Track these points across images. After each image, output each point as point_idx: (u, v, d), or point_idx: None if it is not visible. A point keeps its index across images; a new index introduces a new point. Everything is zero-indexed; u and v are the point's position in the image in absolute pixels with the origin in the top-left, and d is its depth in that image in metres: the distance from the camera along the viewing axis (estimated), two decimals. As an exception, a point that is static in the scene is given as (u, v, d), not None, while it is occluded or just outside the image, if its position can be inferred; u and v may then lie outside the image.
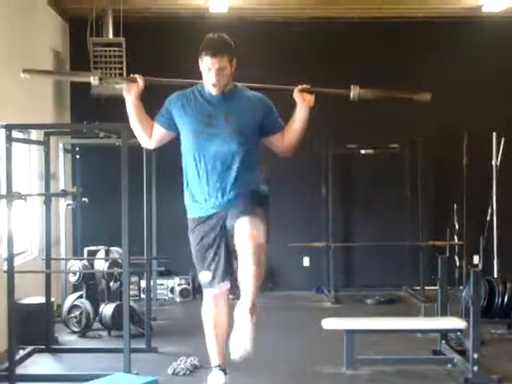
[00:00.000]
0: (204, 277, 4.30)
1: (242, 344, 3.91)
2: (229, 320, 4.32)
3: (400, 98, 4.84)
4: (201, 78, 4.34)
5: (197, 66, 4.31)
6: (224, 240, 4.25)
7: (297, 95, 4.31)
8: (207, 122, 4.22)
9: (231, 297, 4.39)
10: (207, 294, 4.37)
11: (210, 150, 4.20)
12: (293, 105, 4.42)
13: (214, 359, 4.42)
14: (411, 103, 4.73)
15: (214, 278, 4.27)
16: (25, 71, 4.59)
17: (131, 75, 4.38)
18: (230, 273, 4.28)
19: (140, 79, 4.33)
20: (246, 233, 3.99)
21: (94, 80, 4.47)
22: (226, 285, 4.31)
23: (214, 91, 4.22)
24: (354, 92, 4.40)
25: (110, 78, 4.67)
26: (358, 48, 9.61)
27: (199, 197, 4.27)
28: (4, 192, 5.77)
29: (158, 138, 4.39)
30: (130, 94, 4.32)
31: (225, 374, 4.39)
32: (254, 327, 3.96)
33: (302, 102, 4.29)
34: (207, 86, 4.24)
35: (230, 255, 4.26)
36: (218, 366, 4.40)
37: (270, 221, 4.26)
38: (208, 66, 4.16)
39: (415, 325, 6.40)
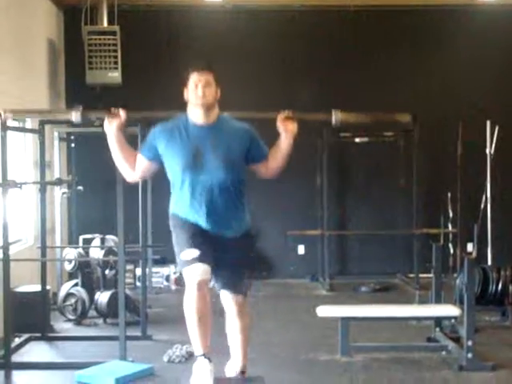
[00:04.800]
0: (188, 254, 4.21)
1: None
2: (211, 308, 4.36)
3: (381, 120, 4.88)
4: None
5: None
6: (210, 243, 4.27)
7: (280, 125, 4.33)
8: (195, 155, 4.23)
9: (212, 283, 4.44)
10: (190, 281, 4.30)
11: (199, 181, 4.21)
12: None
13: (198, 348, 4.41)
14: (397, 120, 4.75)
15: (199, 255, 4.19)
16: (6, 111, 4.59)
17: (112, 109, 4.37)
18: (212, 260, 4.27)
19: (122, 113, 4.33)
20: (232, 305, 4.42)
21: (75, 118, 4.47)
22: (207, 272, 4.23)
23: (200, 107, 4.22)
24: (336, 117, 4.44)
25: (91, 112, 4.64)
26: (353, 36, 9.61)
27: (189, 212, 4.30)
28: (-1, 180, 5.77)
29: (142, 170, 4.36)
30: (112, 126, 4.31)
31: (210, 361, 4.39)
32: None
33: (286, 132, 4.32)
34: (194, 103, 4.24)
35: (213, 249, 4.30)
36: (203, 354, 4.39)
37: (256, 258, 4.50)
38: (195, 81, 4.19)
39: (409, 312, 6.42)
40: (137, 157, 4.35)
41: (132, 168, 4.35)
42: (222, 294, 4.37)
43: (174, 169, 4.27)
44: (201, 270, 4.17)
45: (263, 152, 4.37)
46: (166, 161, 4.29)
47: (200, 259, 4.17)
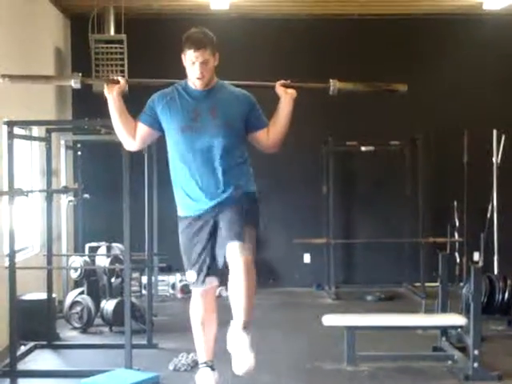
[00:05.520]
0: (190, 276, 4.30)
1: (243, 362, 3.97)
2: (217, 316, 4.37)
3: (378, 89, 4.89)
4: (184, 77, 4.35)
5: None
6: (211, 242, 4.23)
7: (279, 90, 4.33)
8: (193, 117, 4.20)
9: (219, 289, 4.40)
10: (195, 291, 4.38)
11: (198, 144, 4.18)
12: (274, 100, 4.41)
13: (202, 356, 4.42)
14: (392, 96, 4.76)
15: (198, 277, 4.25)
16: (4, 76, 4.50)
17: (113, 77, 4.39)
18: (216, 270, 4.27)
19: (122, 79, 4.35)
20: (237, 258, 4.02)
21: (74, 84, 4.46)
22: (213, 281, 4.30)
23: (199, 85, 4.21)
24: (334, 86, 4.45)
25: (91, 80, 4.65)
26: (357, 44, 9.62)
27: (189, 193, 4.25)
28: (6, 188, 5.79)
29: (141, 137, 4.32)
30: (112, 92, 4.32)
31: (212, 369, 4.39)
32: (251, 343, 4.01)
33: (285, 95, 4.30)
34: (192, 80, 4.24)
35: (216, 255, 4.26)
36: (205, 362, 4.40)
37: (261, 225, 4.28)
38: (192, 59, 4.16)
39: (415, 321, 6.40)
40: (136, 124, 4.34)
41: (132, 135, 4.32)
42: (227, 251, 4.08)
43: (173, 131, 4.23)
44: (204, 287, 4.24)
45: (263, 120, 4.32)
46: (165, 123, 4.25)
47: (200, 280, 4.25)
